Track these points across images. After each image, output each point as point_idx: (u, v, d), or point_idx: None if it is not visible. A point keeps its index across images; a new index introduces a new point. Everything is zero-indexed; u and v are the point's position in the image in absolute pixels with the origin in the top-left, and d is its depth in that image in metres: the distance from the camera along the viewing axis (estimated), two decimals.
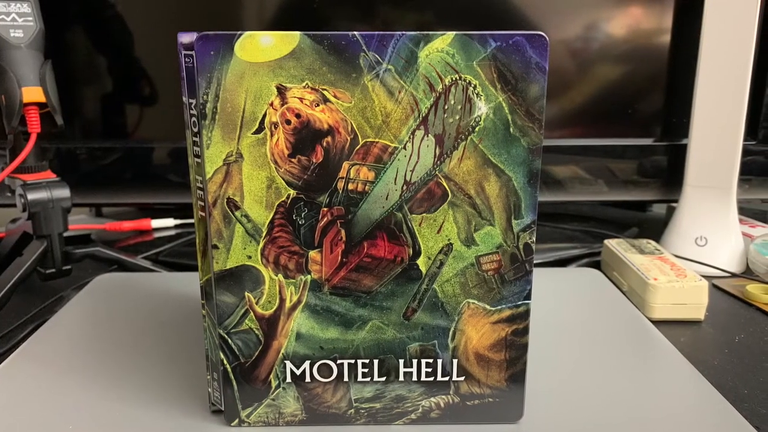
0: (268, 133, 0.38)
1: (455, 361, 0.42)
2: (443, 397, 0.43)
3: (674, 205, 0.84)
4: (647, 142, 0.85)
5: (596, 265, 0.78)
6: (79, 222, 0.96)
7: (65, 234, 0.70)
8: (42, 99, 0.64)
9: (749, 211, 1.00)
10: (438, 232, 0.40)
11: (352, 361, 0.42)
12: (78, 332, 0.57)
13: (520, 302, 0.41)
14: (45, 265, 0.70)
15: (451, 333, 0.41)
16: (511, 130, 0.38)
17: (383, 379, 0.42)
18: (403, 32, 0.37)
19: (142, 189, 0.85)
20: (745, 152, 0.83)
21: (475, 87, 0.37)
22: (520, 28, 0.76)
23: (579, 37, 0.81)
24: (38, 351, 0.54)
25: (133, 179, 0.84)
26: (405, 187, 0.39)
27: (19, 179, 0.68)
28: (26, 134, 0.65)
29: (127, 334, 0.57)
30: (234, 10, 0.80)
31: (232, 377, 0.42)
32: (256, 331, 0.41)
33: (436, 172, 0.39)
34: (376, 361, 0.42)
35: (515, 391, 0.43)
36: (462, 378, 0.42)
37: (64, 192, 0.69)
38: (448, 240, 0.40)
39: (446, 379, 0.42)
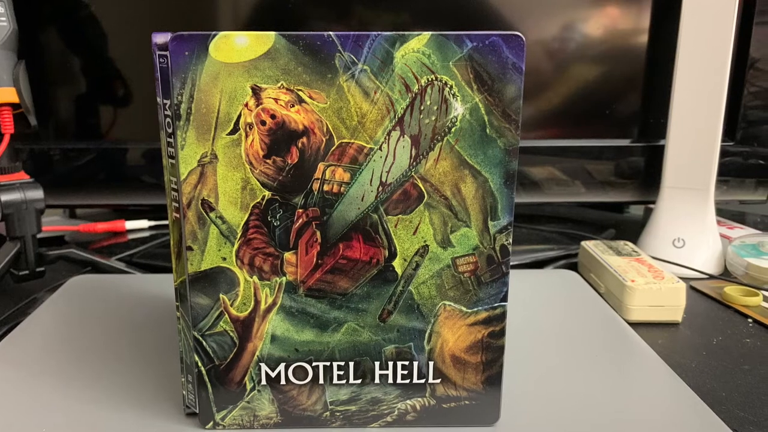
0: (243, 134, 0.38)
1: (431, 364, 0.42)
2: (419, 399, 0.43)
3: (652, 206, 0.84)
4: (624, 143, 0.85)
5: (573, 267, 0.79)
6: (53, 223, 0.95)
7: (39, 235, 0.70)
8: (15, 99, 0.63)
9: (727, 213, 1.01)
10: (414, 234, 0.39)
11: (328, 364, 0.42)
12: (52, 334, 0.56)
13: (496, 304, 0.41)
14: (18, 266, 0.69)
15: (427, 335, 0.41)
16: (488, 130, 0.38)
17: (359, 381, 0.42)
18: (379, 32, 0.36)
19: (116, 190, 0.84)
20: (723, 153, 0.84)
21: (451, 87, 0.37)
22: (496, 29, 0.75)
23: (556, 37, 0.81)
24: (11, 353, 0.53)
25: (107, 180, 0.84)
26: (381, 189, 0.38)
27: None
28: None
29: (101, 336, 0.56)
30: (208, 10, 0.79)
31: (207, 379, 0.42)
32: (231, 333, 0.41)
33: (412, 173, 0.38)
34: (351, 364, 0.42)
35: (492, 393, 0.42)
36: (438, 380, 0.42)
37: (37, 193, 0.68)
38: (424, 241, 0.40)
39: (422, 381, 0.42)
